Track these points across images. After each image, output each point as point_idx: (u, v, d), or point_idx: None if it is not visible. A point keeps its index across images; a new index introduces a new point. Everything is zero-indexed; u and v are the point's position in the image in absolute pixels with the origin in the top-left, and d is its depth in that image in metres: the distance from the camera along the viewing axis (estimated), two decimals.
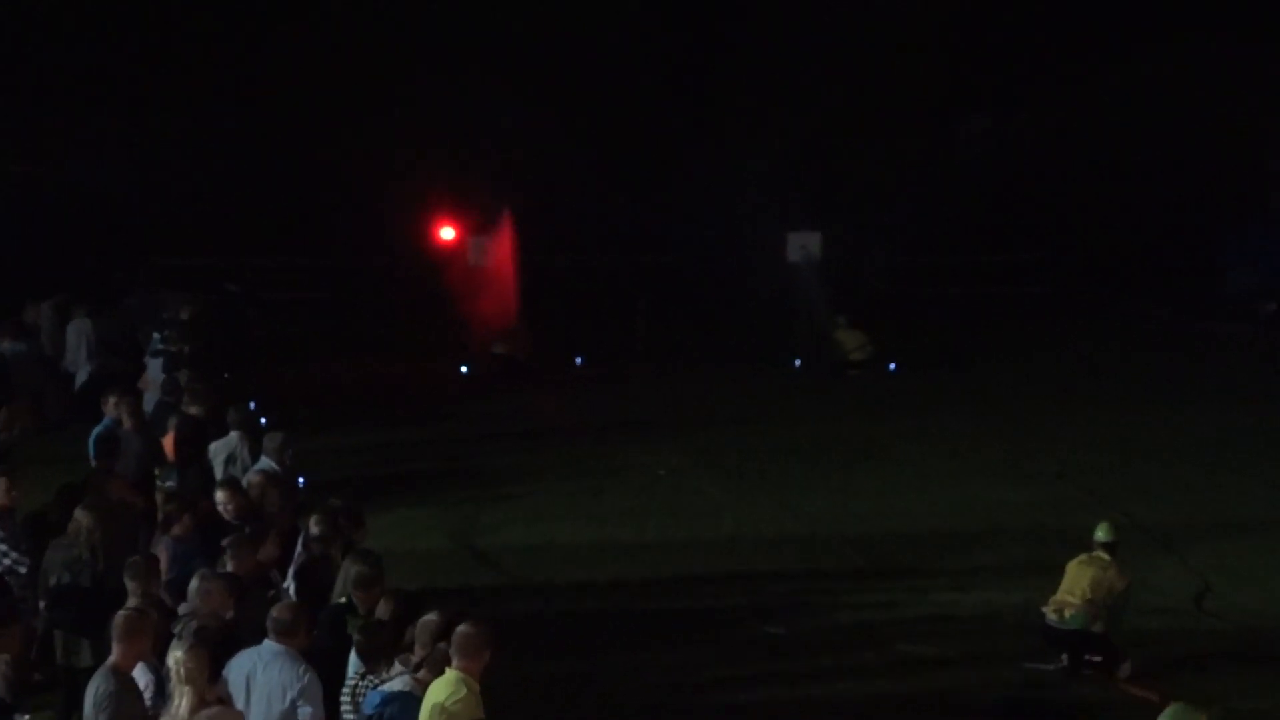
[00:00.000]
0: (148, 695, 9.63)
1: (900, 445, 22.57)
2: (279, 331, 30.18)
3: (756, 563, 17.11)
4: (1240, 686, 13.42)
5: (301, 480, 16.06)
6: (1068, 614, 13.69)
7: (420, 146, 32.14)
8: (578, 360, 29.66)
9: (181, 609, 10.88)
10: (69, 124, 31.86)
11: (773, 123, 34.17)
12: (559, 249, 34.30)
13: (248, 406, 16.97)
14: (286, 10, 34.78)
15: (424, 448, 22.66)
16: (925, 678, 13.75)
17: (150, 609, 10.19)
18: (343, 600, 11.04)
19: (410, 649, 9.99)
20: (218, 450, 15.46)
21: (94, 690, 9.36)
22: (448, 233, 31.26)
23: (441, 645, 9.63)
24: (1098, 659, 13.69)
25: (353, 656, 10.20)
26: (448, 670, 9.36)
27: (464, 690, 9.22)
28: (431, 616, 10.03)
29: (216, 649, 9.70)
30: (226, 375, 22.70)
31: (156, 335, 21.00)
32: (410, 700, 9.49)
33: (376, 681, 9.82)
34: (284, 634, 9.78)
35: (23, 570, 12.54)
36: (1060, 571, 14.08)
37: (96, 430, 15.91)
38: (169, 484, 14.06)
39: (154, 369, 20.53)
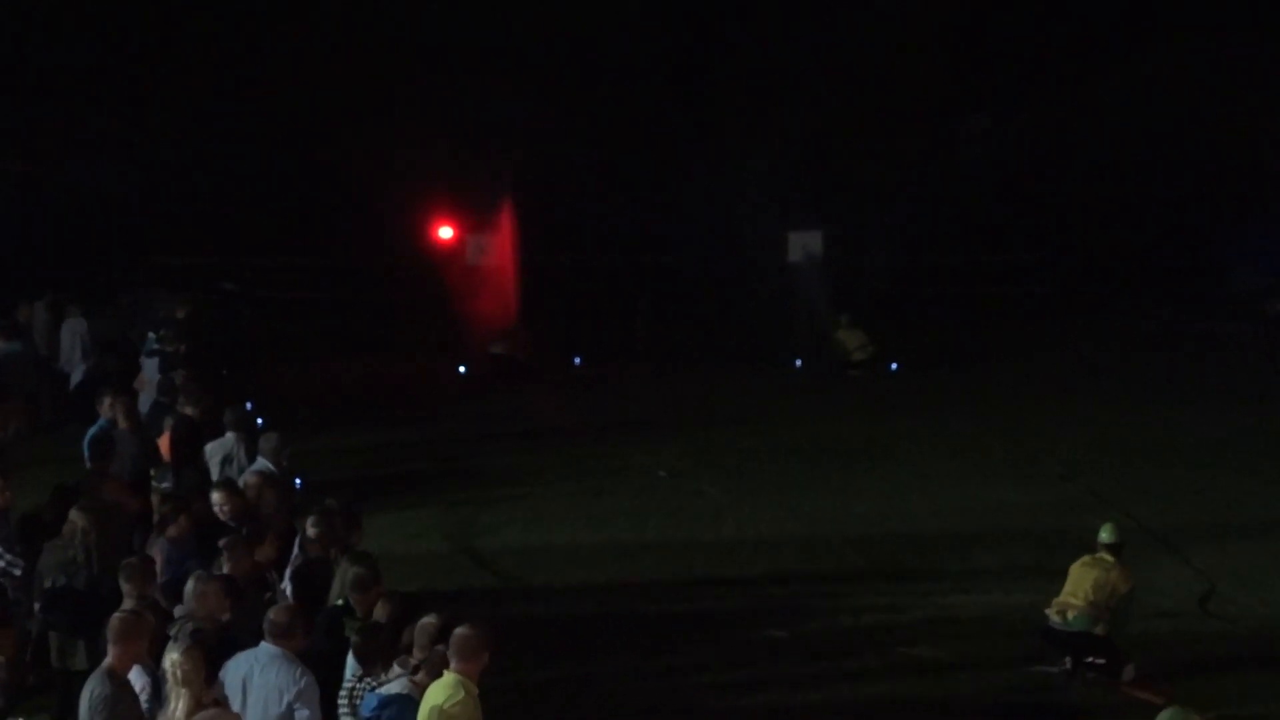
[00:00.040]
0: (144, 698, 9.60)
1: (901, 446, 22.52)
2: (276, 331, 30.11)
3: (757, 564, 17.08)
4: (1245, 689, 13.36)
5: (298, 481, 16.02)
6: (1070, 616, 13.62)
7: (419, 146, 32.07)
8: (576, 360, 29.62)
9: (177, 611, 10.84)
10: (67, 123, 31.82)
11: (773, 122, 34.13)
12: (558, 248, 34.23)
13: (244, 407, 16.93)
14: (285, 9, 34.73)
15: (422, 448, 22.62)
16: (927, 680, 13.69)
17: (146, 611, 10.17)
18: (340, 602, 11.01)
19: (408, 651, 9.95)
20: (214, 451, 15.42)
21: (89, 693, 9.31)
22: (446, 232, 31.18)
23: (439, 648, 9.60)
24: (1101, 662, 13.61)
25: (350, 659, 10.16)
26: (446, 673, 9.32)
27: (462, 693, 9.18)
28: (430, 619, 9.99)
29: (213, 651, 9.69)
30: (225, 372, 22.64)
31: (152, 335, 20.95)
32: (408, 703, 9.44)
33: (374, 684, 9.78)
34: (281, 636, 9.75)
35: (17, 572, 12.45)
36: (1063, 573, 14.02)
37: (91, 431, 15.87)
38: (164, 485, 14.04)
39: (149, 369, 20.46)
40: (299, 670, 9.66)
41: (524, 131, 33.10)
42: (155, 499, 13.40)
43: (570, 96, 34.29)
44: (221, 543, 11.71)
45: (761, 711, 13.05)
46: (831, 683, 13.65)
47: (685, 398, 26.42)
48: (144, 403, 18.10)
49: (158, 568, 11.55)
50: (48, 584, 11.97)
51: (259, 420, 18.68)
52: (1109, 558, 13.81)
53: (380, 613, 10.58)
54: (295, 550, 12.54)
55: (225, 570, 11.25)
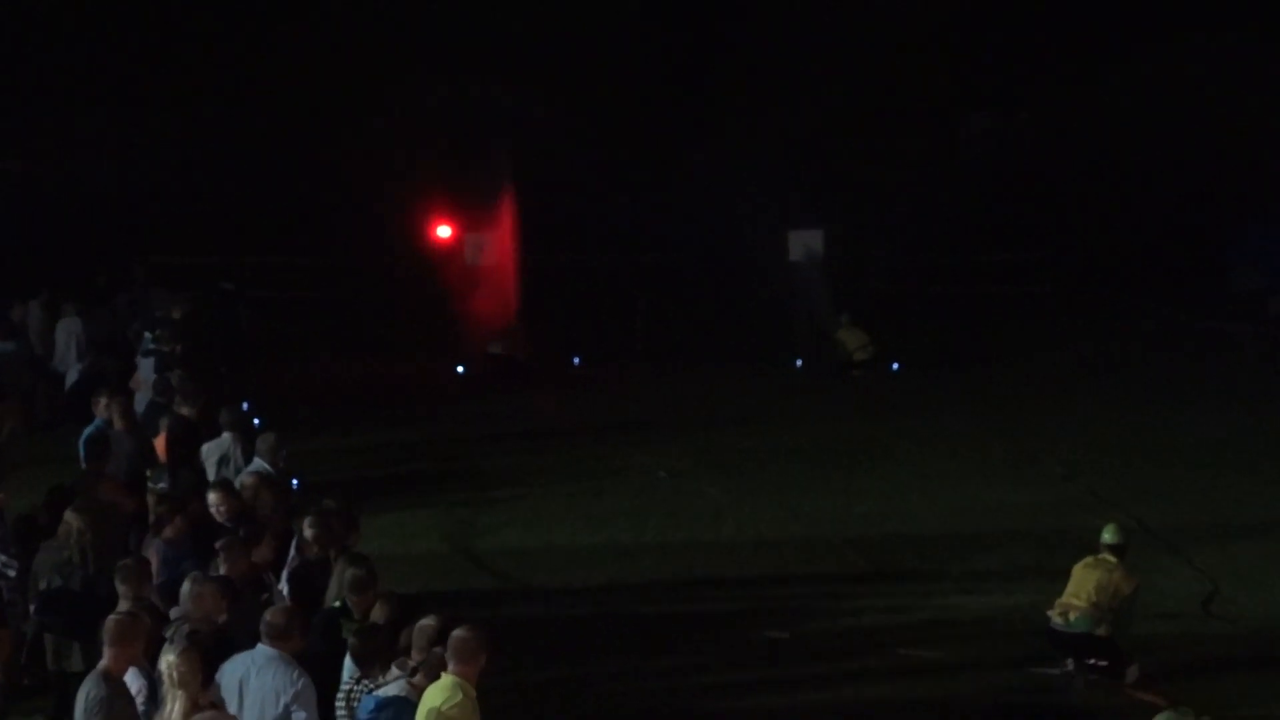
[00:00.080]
0: (139, 700, 9.56)
1: (903, 446, 22.47)
2: (273, 331, 30.04)
3: (757, 565, 17.04)
4: (1249, 691, 13.31)
5: (295, 482, 15.95)
6: (1072, 617, 13.56)
7: (418, 145, 32.03)
8: (576, 360, 29.54)
9: (174, 613, 10.82)
10: (63, 122, 31.79)
11: (774, 121, 34.12)
12: (558, 248, 34.18)
13: (241, 407, 16.90)
14: (283, 8, 34.69)
15: (420, 449, 22.57)
16: (928, 682, 13.64)
17: (142, 612, 10.14)
18: (337, 604, 10.99)
19: (406, 653, 9.91)
20: (210, 451, 15.38)
21: (85, 695, 9.28)
22: (445, 231, 31.11)
23: (437, 650, 9.56)
24: (1103, 663, 13.53)
25: (348, 661, 10.13)
26: (444, 675, 9.28)
27: (460, 695, 9.14)
28: (428, 620, 9.95)
29: (209, 653, 9.65)
30: (224, 370, 22.61)
31: (148, 334, 20.91)
32: (406, 705, 9.40)
33: (372, 686, 9.73)
34: (278, 638, 9.73)
35: (12, 573, 12.46)
36: (1064, 574, 13.97)
37: (87, 431, 15.84)
38: (160, 486, 14.00)
39: (145, 369, 20.41)
40: (296, 672, 9.64)
41: (523, 130, 33.06)
42: (151, 500, 13.37)
43: (570, 95, 34.27)
44: (218, 544, 11.66)
45: (761, 713, 13.01)
46: (832, 684, 13.60)
47: (685, 398, 26.36)
48: (140, 403, 18.06)
49: (154, 569, 11.55)
50: (43, 585, 11.95)
51: (256, 420, 18.64)
52: (1112, 558, 13.74)
53: (378, 614, 10.54)
54: (292, 551, 12.50)
55: (222, 571, 11.21)
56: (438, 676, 9.30)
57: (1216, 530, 18.04)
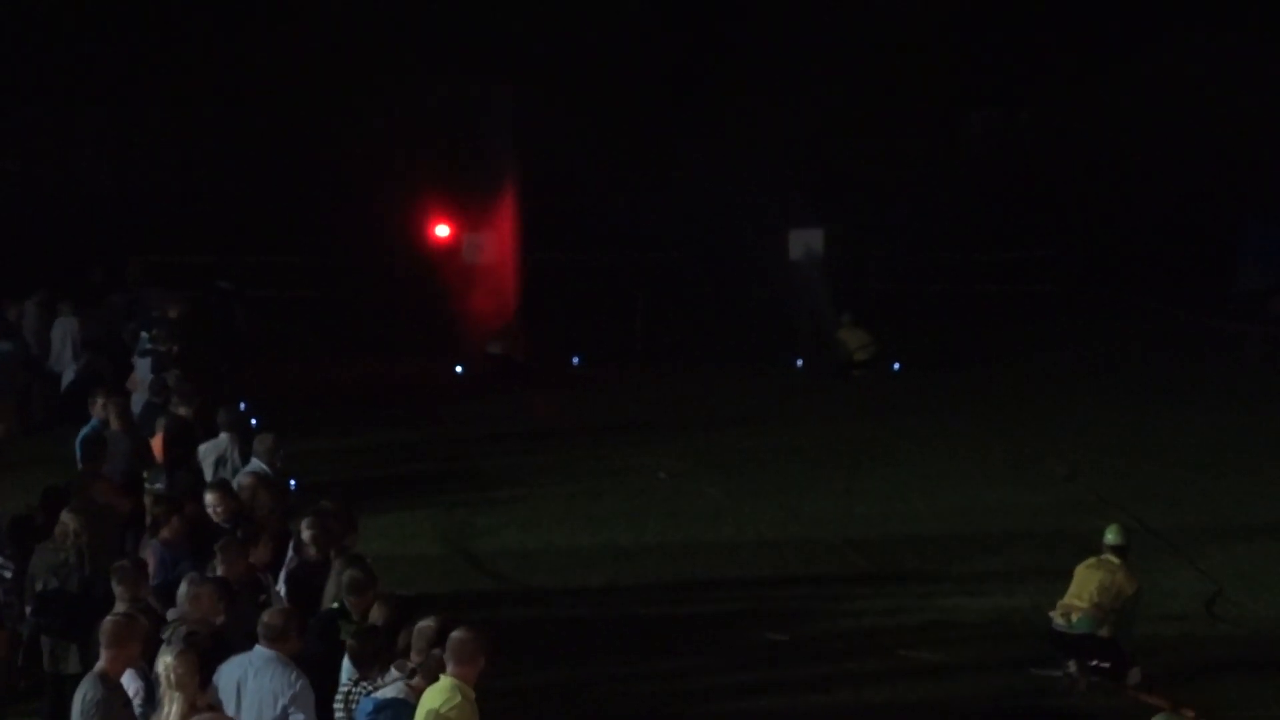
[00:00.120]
0: (137, 702, 9.54)
1: (904, 446, 22.43)
2: (271, 330, 29.96)
3: (757, 566, 17.01)
4: (1252, 694, 13.30)
5: (293, 483, 15.92)
6: (1075, 618, 13.51)
7: (416, 144, 31.97)
8: (575, 360, 29.48)
9: (171, 614, 10.80)
10: (59, 121, 31.75)
11: (774, 120, 34.08)
12: (557, 247, 34.14)
13: (238, 407, 16.87)
14: (281, 7, 34.65)
15: (418, 449, 22.52)
16: (929, 685, 13.60)
17: (139, 614, 10.10)
18: (335, 605, 10.95)
19: (405, 655, 9.88)
20: (207, 452, 15.35)
21: (81, 697, 9.25)
22: (443, 230, 31.04)
23: (436, 651, 9.52)
24: (1105, 665, 13.47)
25: (346, 663, 10.10)
26: (442, 677, 9.24)
27: (459, 697, 9.10)
28: (427, 622, 9.92)
29: (207, 655, 9.64)
30: (225, 368, 22.56)
31: (144, 334, 20.83)
32: (404, 708, 9.37)
33: (370, 688, 9.71)
34: (275, 639, 9.71)
35: (8, 575, 12.44)
36: (1066, 575, 13.94)
37: (83, 431, 15.82)
38: (157, 486, 13.93)
39: (142, 369, 20.35)
40: (294, 674, 9.62)
41: (523, 129, 33.00)
42: (148, 500, 13.30)
43: (569, 94, 34.24)
44: (217, 545, 11.59)
45: (761, 715, 12.99)
46: (832, 686, 13.56)
47: (685, 398, 26.31)
48: (136, 403, 17.99)
49: (150, 570, 11.50)
50: (39, 587, 11.92)
51: (253, 421, 18.61)
52: (1115, 559, 13.69)
53: (376, 616, 10.49)
54: (290, 553, 12.47)
55: (219, 573, 11.18)
56: (436, 678, 9.26)
57: (1220, 531, 18.02)
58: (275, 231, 33.84)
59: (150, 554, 12.05)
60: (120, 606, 10.36)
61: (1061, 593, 13.80)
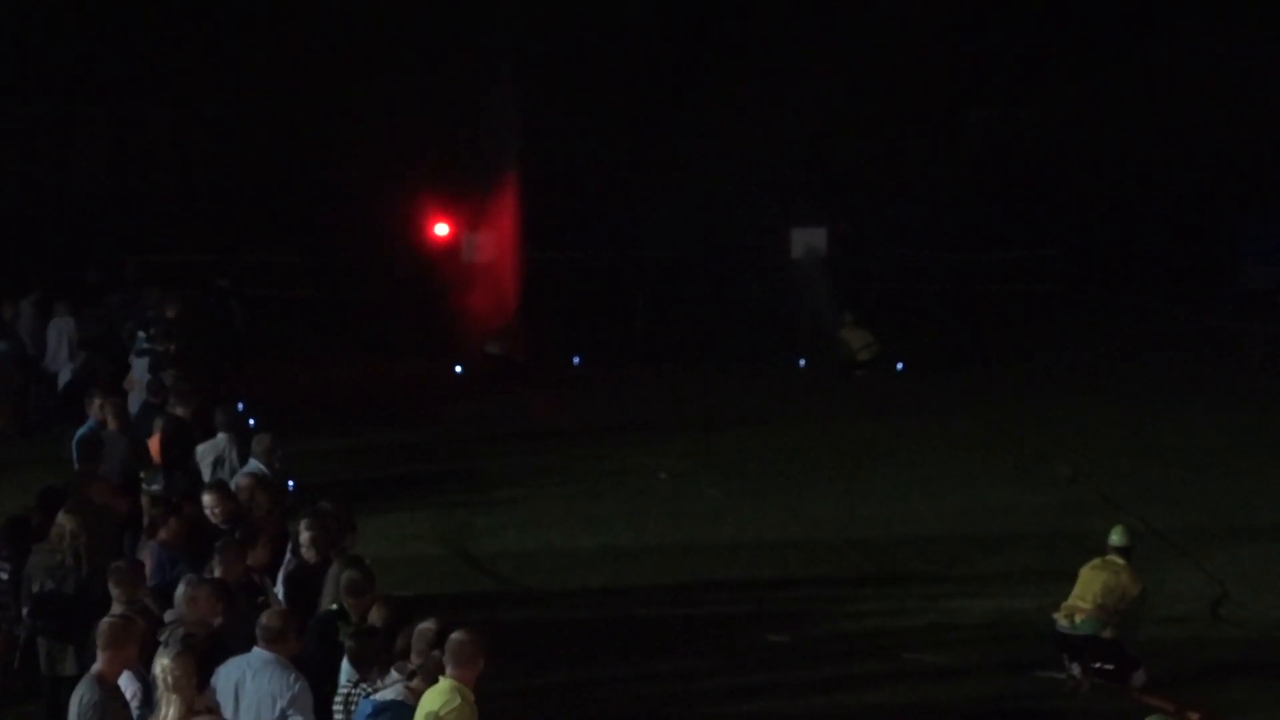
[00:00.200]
0: (134, 704, 9.50)
1: (907, 447, 22.38)
2: (269, 330, 29.91)
3: (759, 568, 16.99)
4: (1257, 696, 13.26)
5: (291, 483, 15.88)
6: (1078, 619, 13.43)
7: (415, 142, 31.96)
8: (575, 360, 29.43)
9: (168, 615, 10.75)
10: (59, 121, 31.71)
11: (776, 118, 34.05)
12: (557, 246, 34.10)
13: (236, 407, 16.83)
14: (280, 5, 34.63)
15: (417, 450, 22.47)
16: (932, 687, 13.57)
17: (136, 616, 10.08)
18: (334, 607, 10.90)
19: (404, 656, 9.83)
20: (205, 452, 15.31)
21: (78, 700, 9.20)
22: (442, 229, 30.98)
23: (435, 653, 9.49)
24: (1109, 667, 13.40)
25: (345, 664, 10.07)
26: (442, 679, 9.21)
27: (458, 699, 9.07)
28: (427, 624, 9.88)
29: (204, 657, 9.54)
30: (226, 367, 22.51)
31: (142, 334, 20.77)
32: (403, 710, 9.34)
33: (369, 690, 9.68)
34: (273, 641, 9.67)
35: (4, 576, 12.39)
36: (1070, 577, 13.90)
37: (80, 432, 15.82)
38: (155, 487, 13.91)
39: (139, 369, 20.30)
40: (292, 676, 9.59)
41: (522, 128, 32.96)
42: (145, 501, 13.28)
43: (570, 92, 34.24)
44: (214, 546, 11.52)
45: (762, 717, 12.98)
46: (834, 688, 13.53)
47: (685, 398, 26.26)
48: (133, 403, 17.97)
49: (148, 571, 11.46)
50: (36, 588, 11.86)
51: (251, 421, 18.55)
52: (1119, 560, 13.63)
53: (375, 617, 10.45)
54: (288, 554, 12.42)
55: (217, 574, 11.14)
56: (436, 680, 9.22)
57: (1225, 533, 17.99)
58: (275, 231, 33.82)
59: (148, 555, 12.02)
60: (117, 608, 10.32)
61: (1065, 594, 13.74)
